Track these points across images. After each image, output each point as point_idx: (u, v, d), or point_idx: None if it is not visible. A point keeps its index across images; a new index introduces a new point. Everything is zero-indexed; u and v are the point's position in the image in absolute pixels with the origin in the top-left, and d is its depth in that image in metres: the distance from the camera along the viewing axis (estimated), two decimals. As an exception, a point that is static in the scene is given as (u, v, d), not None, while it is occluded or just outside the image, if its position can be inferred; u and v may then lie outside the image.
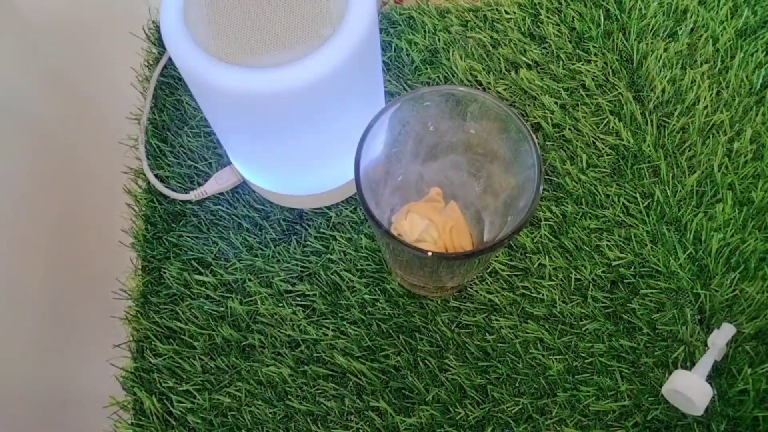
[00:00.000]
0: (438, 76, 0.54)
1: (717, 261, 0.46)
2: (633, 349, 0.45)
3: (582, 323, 0.46)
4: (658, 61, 0.53)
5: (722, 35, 0.54)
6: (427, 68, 0.55)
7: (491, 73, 0.54)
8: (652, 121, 0.51)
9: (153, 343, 0.47)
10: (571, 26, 0.56)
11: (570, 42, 0.55)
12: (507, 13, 0.57)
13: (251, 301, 0.48)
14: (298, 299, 0.48)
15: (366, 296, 0.47)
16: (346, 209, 0.50)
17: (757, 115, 0.51)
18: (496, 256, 0.48)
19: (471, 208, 0.45)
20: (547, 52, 0.55)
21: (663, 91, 0.52)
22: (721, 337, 0.43)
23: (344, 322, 0.47)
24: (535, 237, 0.48)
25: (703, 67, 0.53)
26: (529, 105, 0.53)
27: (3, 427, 0.45)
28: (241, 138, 0.43)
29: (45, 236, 0.53)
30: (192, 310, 0.48)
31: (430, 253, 0.35)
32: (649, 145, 0.50)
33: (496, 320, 0.46)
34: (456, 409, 0.44)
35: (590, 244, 0.48)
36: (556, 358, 0.45)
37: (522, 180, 0.38)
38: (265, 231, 0.50)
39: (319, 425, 0.44)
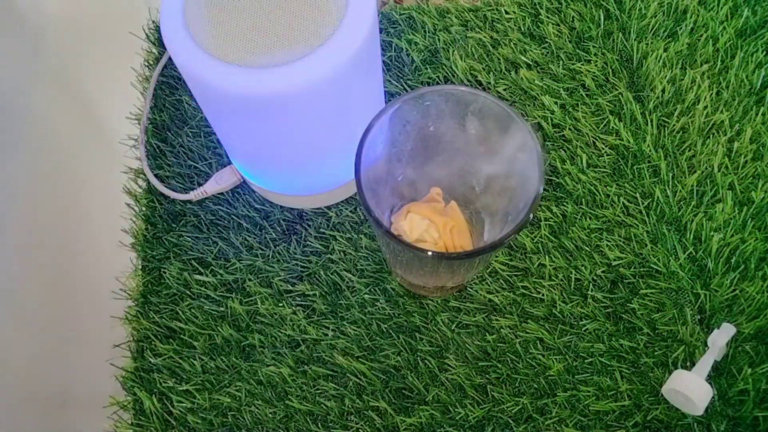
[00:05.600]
0: (438, 76, 0.54)
1: (717, 261, 0.46)
2: (633, 349, 0.45)
3: (582, 323, 0.46)
4: (658, 61, 0.53)
5: (722, 35, 0.54)
6: (427, 68, 0.55)
7: (491, 73, 0.54)
8: (652, 121, 0.51)
9: (153, 343, 0.47)
10: (571, 26, 0.56)
11: (570, 42, 0.55)
12: (507, 13, 0.57)
13: (251, 301, 0.48)
14: (298, 299, 0.48)
15: (366, 296, 0.47)
16: (346, 209, 0.50)
17: (757, 115, 0.51)
18: (496, 256, 0.48)
19: (471, 208, 0.45)
20: (547, 52, 0.55)
21: (663, 91, 0.52)
22: (721, 337, 0.43)
23: (344, 322, 0.47)
24: (535, 237, 0.48)
25: (703, 67, 0.53)
26: (529, 105, 0.53)
27: (3, 428, 0.45)
28: (241, 138, 0.43)
29: (45, 236, 0.53)
30: (192, 310, 0.48)
31: (430, 253, 0.35)
32: (649, 145, 0.50)
33: (496, 320, 0.46)
34: (456, 409, 0.44)
35: (590, 244, 0.48)
36: (556, 358, 0.45)
37: (522, 180, 0.38)
38: (265, 231, 0.50)
39: (319, 425, 0.44)
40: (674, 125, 0.51)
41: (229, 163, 0.52)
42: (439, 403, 0.45)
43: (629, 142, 0.51)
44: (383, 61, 0.54)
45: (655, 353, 0.45)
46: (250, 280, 0.48)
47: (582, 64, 0.54)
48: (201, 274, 0.49)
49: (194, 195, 0.51)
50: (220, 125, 0.43)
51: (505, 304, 0.47)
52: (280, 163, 0.44)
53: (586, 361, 0.45)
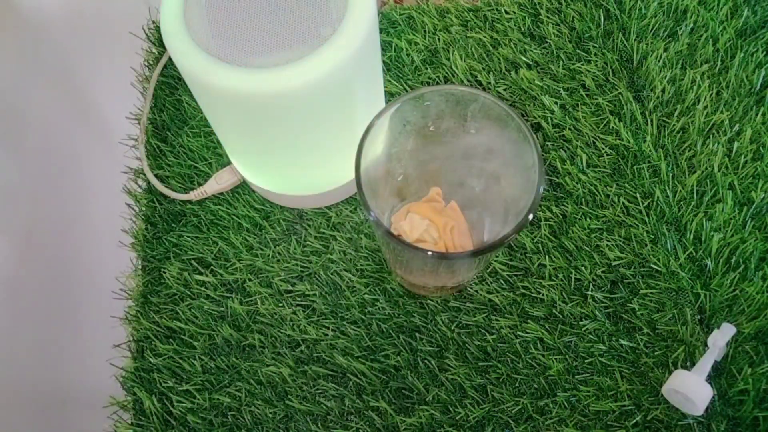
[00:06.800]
0: (438, 76, 0.54)
1: (717, 261, 0.46)
2: (633, 349, 0.45)
3: (582, 323, 0.46)
4: (658, 61, 0.53)
5: (722, 35, 0.54)
6: (427, 68, 0.55)
7: (491, 73, 0.54)
8: (652, 121, 0.51)
9: (153, 343, 0.47)
10: (571, 26, 0.56)
11: (570, 42, 0.55)
12: (507, 13, 0.57)
13: (251, 301, 0.48)
14: (298, 299, 0.48)
15: (366, 296, 0.47)
16: (346, 209, 0.50)
17: (757, 115, 0.51)
18: (496, 256, 0.48)
19: (471, 208, 0.45)
20: (547, 52, 0.55)
21: (663, 91, 0.52)
22: (721, 337, 0.43)
23: (344, 322, 0.47)
24: (535, 237, 0.48)
25: (703, 67, 0.53)
26: (529, 105, 0.53)
27: (3, 428, 0.45)
28: (241, 138, 0.43)
29: (45, 236, 0.53)
30: (192, 310, 0.48)
31: (430, 253, 0.35)
32: (649, 145, 0.50)
33: (496, 320, 0.46)
34: (456, 409, 0.44)
35: (590, 244, 0.48)
36: (556, 358, 0.45)
37: (522, 180, 0.38)
38: (265, 231, 0.50)
39: (319, 425, 0.44)
40: (674, 125, 0.51)
41: (229, 163, 0.52)
42: (439, 403, 0.45)
43: (629, 142, 0.51)
44: (383, 61, 0.54)
45: (655, 353, 0.45)
46: (250, 280, 0.48)
47: (582, 64, 0.54)
48: (201, 274, 0.49)
49: (194, 195, 0.51)
50: (220, 125, 0.43)
51: (505, 304, 0.47)
52: (280, 163, 0.44)
53: (586, 361, 0.45)
